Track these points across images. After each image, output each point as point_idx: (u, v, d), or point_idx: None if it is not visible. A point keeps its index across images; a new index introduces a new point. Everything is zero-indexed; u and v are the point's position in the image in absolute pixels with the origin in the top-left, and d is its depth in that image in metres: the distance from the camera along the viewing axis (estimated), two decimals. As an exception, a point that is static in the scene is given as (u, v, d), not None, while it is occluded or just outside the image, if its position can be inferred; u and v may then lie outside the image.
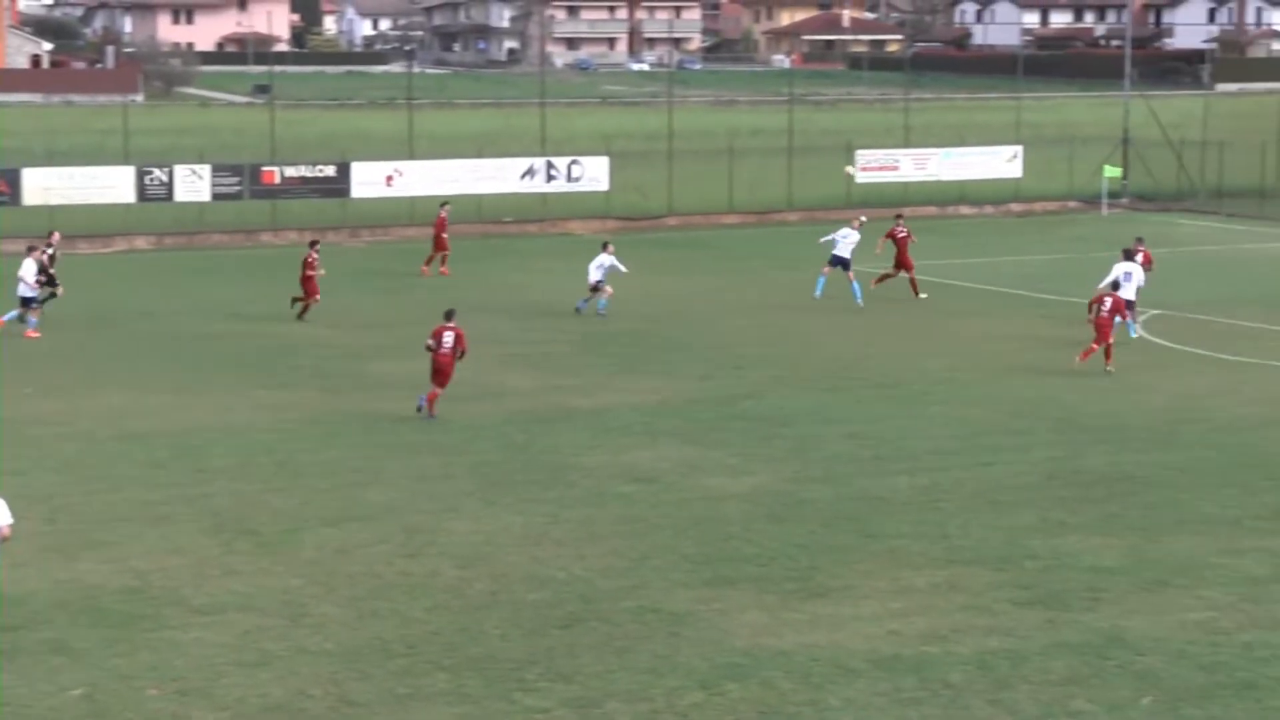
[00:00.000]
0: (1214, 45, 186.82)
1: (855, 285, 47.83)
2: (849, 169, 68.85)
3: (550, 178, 69.70)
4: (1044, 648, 21.60)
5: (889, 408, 35.40)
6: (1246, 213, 73.03)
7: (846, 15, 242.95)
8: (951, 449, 31.85)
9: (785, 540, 26.12)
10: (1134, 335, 42.24)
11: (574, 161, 70.64)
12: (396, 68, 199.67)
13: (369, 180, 67.36)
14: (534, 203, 70.22)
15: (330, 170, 67.24)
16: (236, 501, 28.22)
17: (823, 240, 49.40)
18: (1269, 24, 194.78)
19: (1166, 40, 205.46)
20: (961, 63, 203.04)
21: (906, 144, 78.77)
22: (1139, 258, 42.99)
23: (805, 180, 75.14)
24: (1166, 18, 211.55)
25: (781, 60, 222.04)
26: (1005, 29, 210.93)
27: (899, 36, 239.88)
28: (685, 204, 71.77)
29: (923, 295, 48.75)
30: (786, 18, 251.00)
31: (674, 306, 48.91)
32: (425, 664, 21.08)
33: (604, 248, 47.00)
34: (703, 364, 40.13)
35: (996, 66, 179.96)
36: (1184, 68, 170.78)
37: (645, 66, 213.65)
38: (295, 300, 46.29)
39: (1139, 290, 41.94)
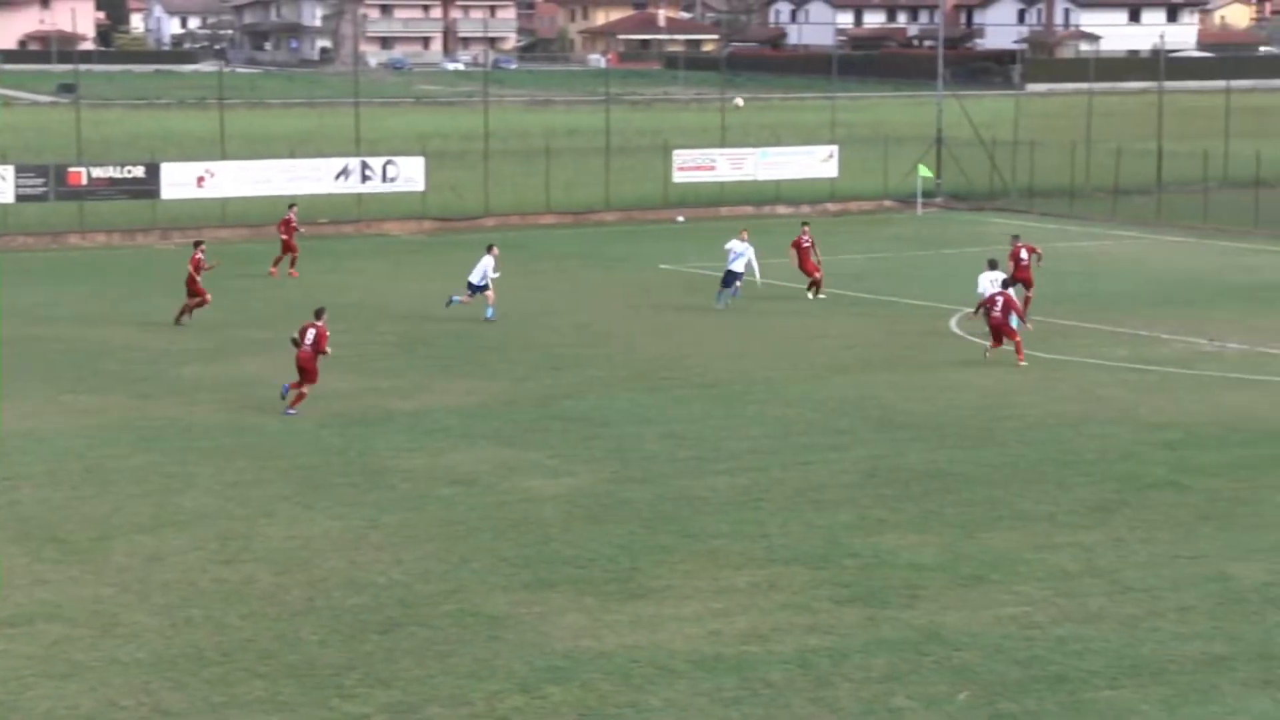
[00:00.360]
0: (1024, 46, 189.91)
1: (735, 290, 47.97)
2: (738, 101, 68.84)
3: (365, 178, 69.23)
4: (864, 645, 21.82)
5: (708, 407, 35.57)
6: (1057, 211, 74.33)
7: (662, 15, 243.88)
8: (771, 448, 32.07)
9: (605, 541, 26.15)
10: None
11: (389, 162, 70.24)
12: (206, 67, 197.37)
13: (179, 181, 66.46)
14: (349, 203, 69.74)
15: (139, 171, 66.24)
16: (44, 509, 27.71)
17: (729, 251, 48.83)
18: (1077, 25, 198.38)
19: (978, 41, 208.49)
20: (777, 62, 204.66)
21: (723, 144, 79.24)
22: (1024, 254, 46.10)
23: (622, 180, 75.31)
24: (977, 18, 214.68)
25: (597, 60, 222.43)
26: (820, 29, 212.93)
27: (715, 36, 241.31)
28: (502, 204, 71.64)
29: (821, 296, 49.08)
30: (602, 17, 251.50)
31: (491, 307, 48.74)
32: (241, 672, 20.84)
33: (488, 250, 46.47)
34: (520, 365, 40.08)
35: (811, 66, 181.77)
36: (995, 68, 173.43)
37: (460, 66, 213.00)
38: (189, 307, 45.72)
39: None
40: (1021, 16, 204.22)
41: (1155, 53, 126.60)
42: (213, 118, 74.26)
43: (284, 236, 54.95)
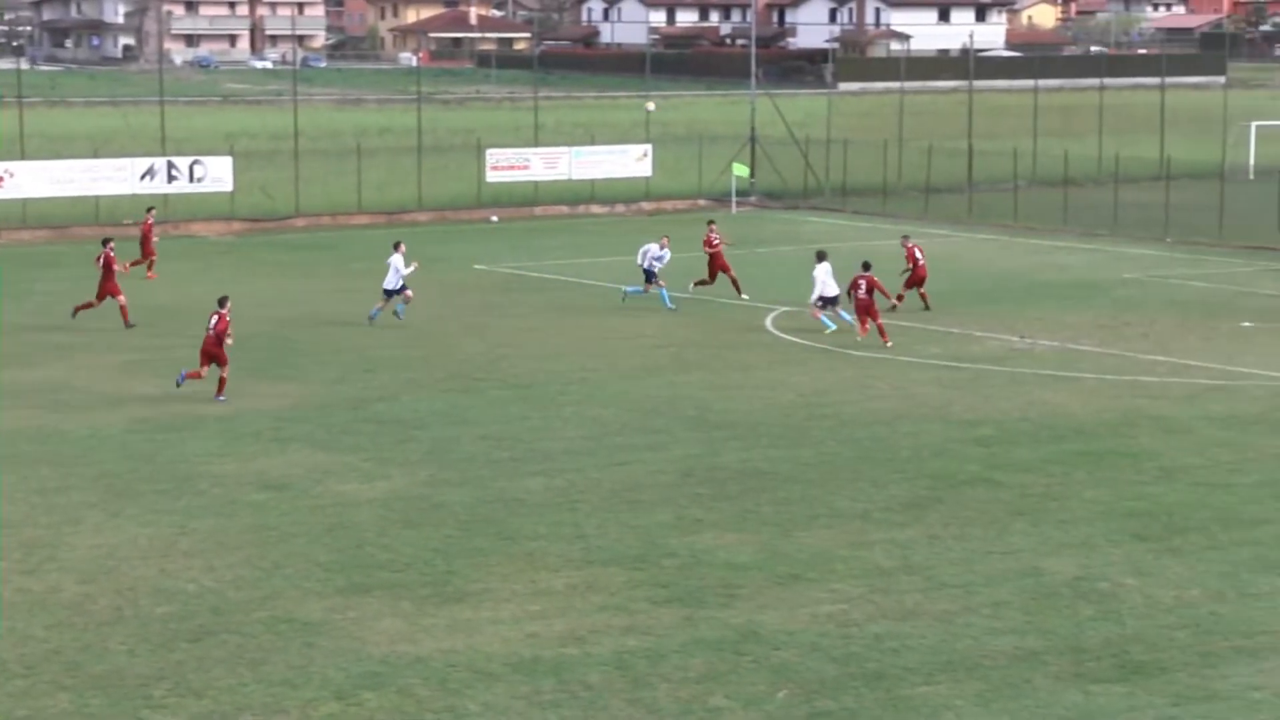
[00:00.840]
0: (836, 45, 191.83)
1: (639, 290, 47.94)
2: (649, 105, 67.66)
3: (172, 178, 68.27)
4: (682, 645, 21.93)
5: (524, 408, 35.55)
6: (870, 210, 75.14)
7: (473, 13, 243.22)
8: (587, 449, 32.13)
9: (421, 545, 26.05)
10: (831, 329, 44.32)
11: (196, 161, 69.32)
12: (3, 64, 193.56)
13: (-22, 181, 65.09)
14: (155, 204, 68.64)
15: (-66, 171, 64.79)
16: None
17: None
18: (888, 24, 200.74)
19: (790, 40, 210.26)
20: (590, 61, 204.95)
21: (536, 143, 79.19)
22: (918, 253, 47.94)
23: (435, 180, 74.98)
24: (789, 17, 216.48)
25: (408, 58, 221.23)
26: (632, 27, 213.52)
27: (527, 34, 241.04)
28: (313, 204, 71.04)
29: (744, 296, 48.86)
30: (412, 15, 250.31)
31: (303, 309, 48.38)
32: (46, 684, 20.48)
33: (395, 247, 45.53)
34: (334, 367, 39.78)
35: (625, 65, 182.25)
36: (807, 67, 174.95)
37: (268, 64, 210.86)
38: (89, 305, 45.10)
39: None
40: (833, 16, 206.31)
41: (965, 52, 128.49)
42: (11, 116, 72.85)
43: (150, 239, 54.41)
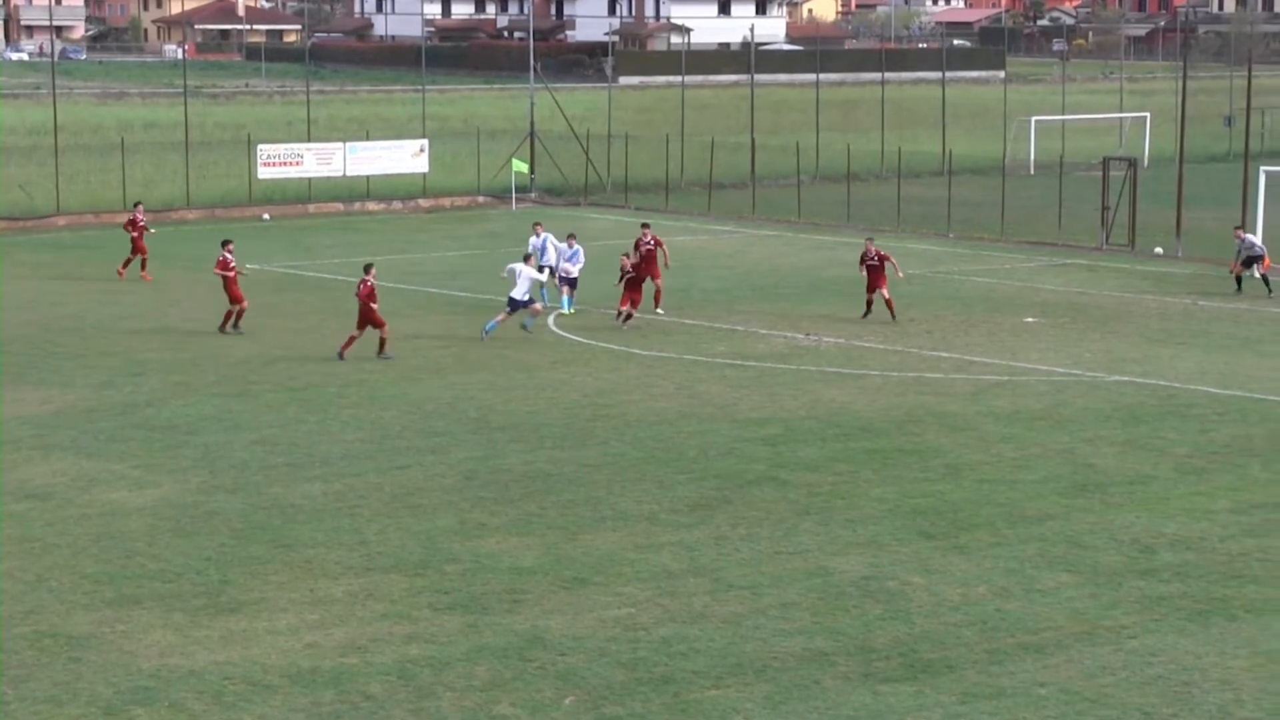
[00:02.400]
0: (615, 38, 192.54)
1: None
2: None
3: (-76, 175, 66.67)
4: (466, 653, 21.87)
5: (300, 412, 35.23)
6: (653, 206, 75.51)
7: (241, 4, 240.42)
8: (366, 453, 31.93)
9: (193, 554, 25.70)
10: (568, 310, 46.03)
11: (-50, 157, 67.79)
12: None
13: None
14: (-94, 202, 67.12)
15: None
16: None
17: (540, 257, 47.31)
18: (667, 17, 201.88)
19: (569, 33, 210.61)
20: (363, 54, 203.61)
21: (309, 138, 78.50)
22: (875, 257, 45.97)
23: (204, 177, 74.03)
24: (568, 10, 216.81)
25: (174, 50, 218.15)
26: (407, 20, 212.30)
27: (297, 26, 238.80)
28: (75, 203, 69.77)
29: (660, 311, 47.53)
30: (177, 6, 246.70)
31: (67, 311, 47.50)
32: None
33: (526, 259, 44.83)
34: (100, 371, 39.11)
35: (400, 58, 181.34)
36: (587, 60, 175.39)
37: (25, 56, 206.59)
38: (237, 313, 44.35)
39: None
40: (612, 8, 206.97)
41: (746, 46, 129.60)
42: None
43: (133, 235, 53.04)
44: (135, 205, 55.81)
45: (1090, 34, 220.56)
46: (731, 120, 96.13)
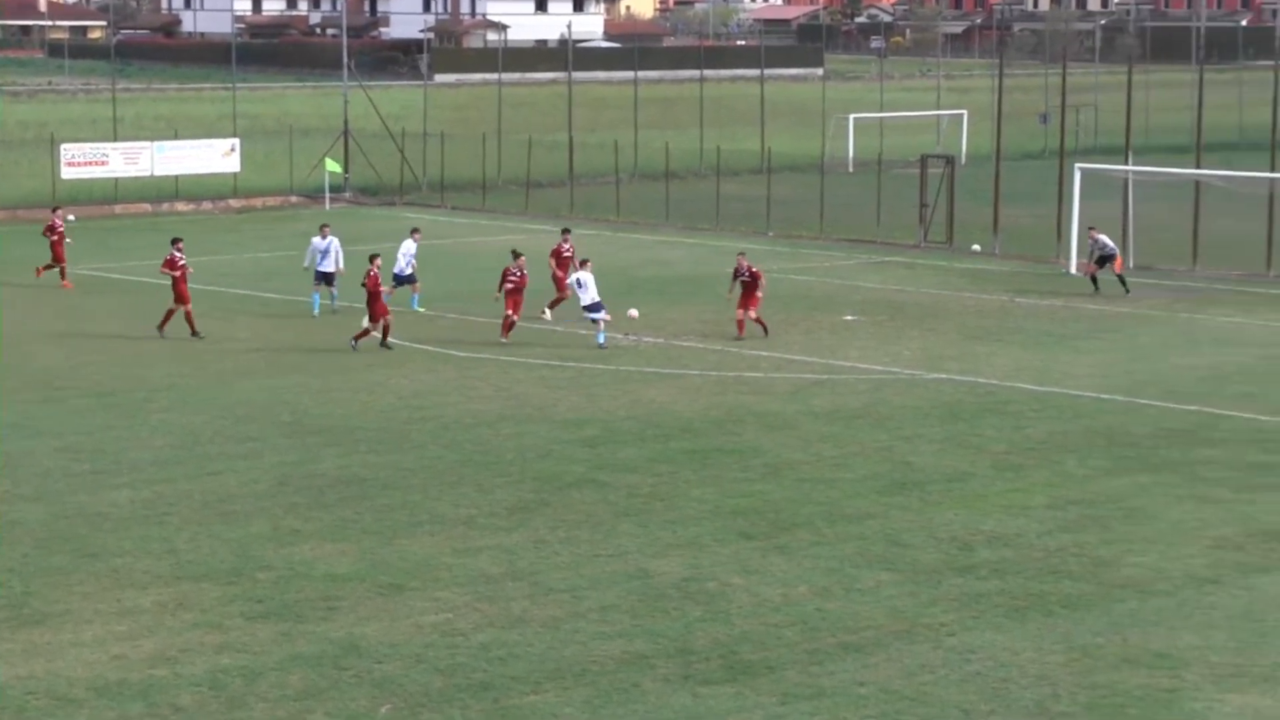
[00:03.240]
0: (430, 35, 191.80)
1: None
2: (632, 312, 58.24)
3: None
4: (279, 662, 21.70)
5: (107, 418, 34.75)
6: (470, 205, 75.36)
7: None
8: (176, 459, 31.56)
9: (-4, 566, 25.27)
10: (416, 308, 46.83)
11: None
12: None
13: None
14: None
15: None
16: None
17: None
18: (483, 14, 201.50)
19: (383, 29, 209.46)
20: (171, 51, 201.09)
21: (115, 137, 77.42)
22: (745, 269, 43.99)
23: (4, 177, 72.77)
24: (381, 7, 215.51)
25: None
26: (216, 16, 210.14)
27: (102, 22, 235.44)
28: None
29: (547, 315, 47.05)
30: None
31: None
32: None
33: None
34: (-104, 378, 38.33)
35: (209, 55, 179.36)
36: (402, 58, 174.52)
37: None
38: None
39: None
40: (427, 5, 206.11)
41: (563, 43, 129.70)
42: None
43: (52, 240, 51.63)
44: (54, 210, 54.79)
45: (908, 31, 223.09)
46: (549, 118, 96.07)
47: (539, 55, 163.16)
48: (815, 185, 69.74)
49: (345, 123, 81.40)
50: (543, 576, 25.18)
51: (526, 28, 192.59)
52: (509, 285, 43.45)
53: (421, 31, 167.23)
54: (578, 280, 43.36)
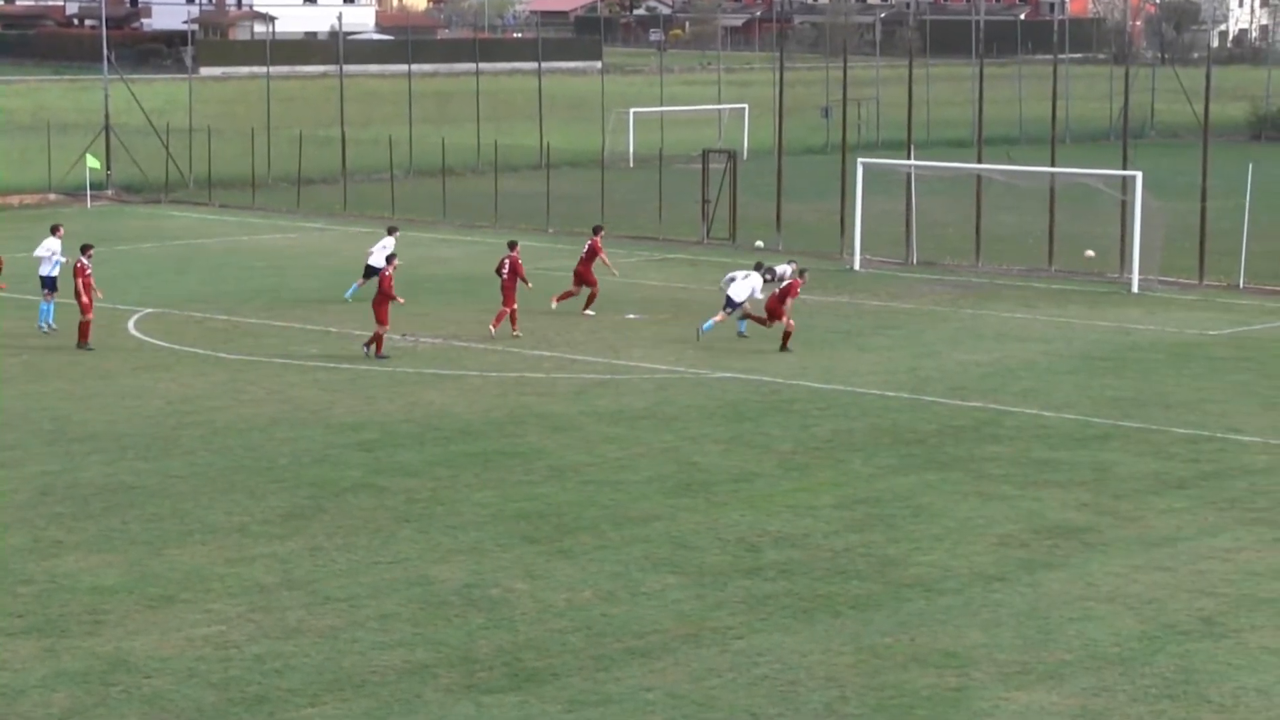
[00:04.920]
0: (195, 27, 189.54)
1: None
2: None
3: None
4: (42, 679, 21.31)
5: None
6: (240, 203, 74.61)
7: None
8: (-70, 469, 30.88)
9: None
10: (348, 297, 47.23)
11: None
12: None
13: None
14: None
15: None
16: None
17: None
18: (250, 6, 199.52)
19: (145, 20, 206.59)
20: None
21: None
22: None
23: None
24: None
25: None
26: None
27: None
28: None
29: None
30: None
31: None
32: None
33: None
34: None
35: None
36: (165, 50, 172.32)
37: None
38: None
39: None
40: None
41: (334, 35, 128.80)
42: None
43: None
44: None
45: (687, 24, 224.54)
46: (320, 113, 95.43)
47: (308, 48, 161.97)
48: (595, 181, 69.93)
49: (106, 117, 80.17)
50: (319, 585, 24.99)
51: (295, 19, 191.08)
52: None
53: (185, 23, 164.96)
54: (729, 278, 44.28)
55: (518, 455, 32.45)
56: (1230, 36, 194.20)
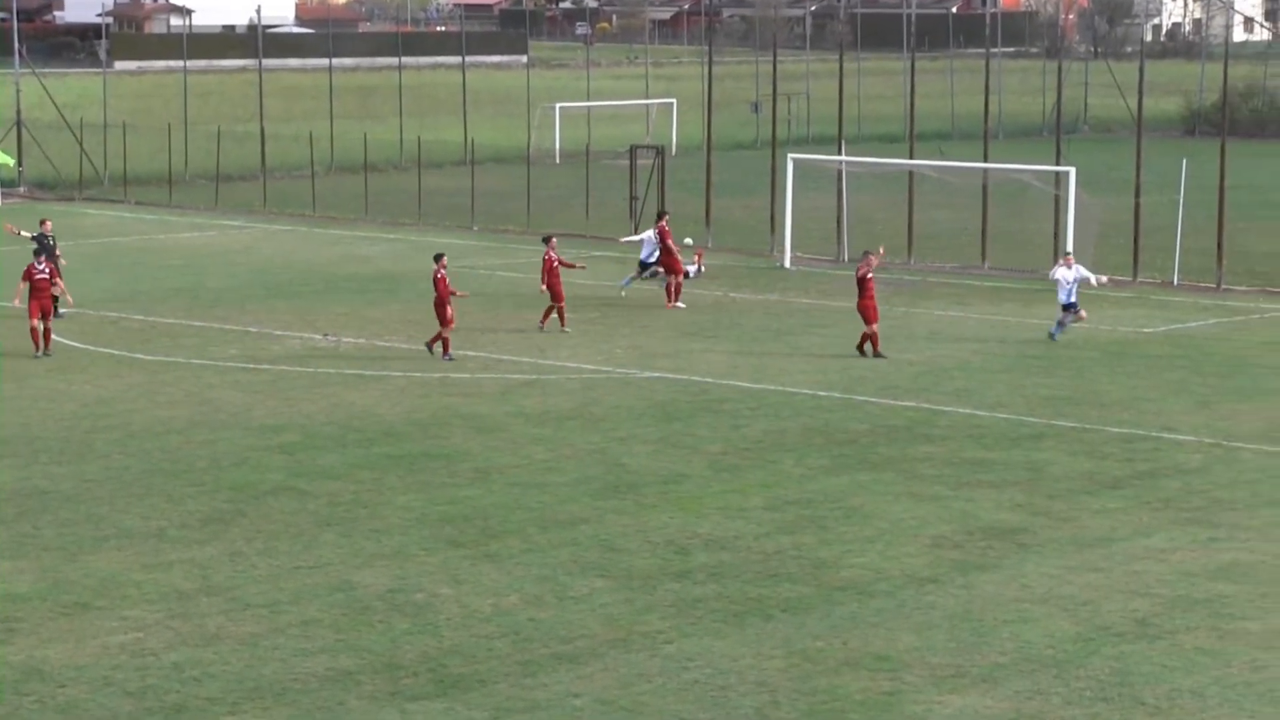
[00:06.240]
0: (109, 20, 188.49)
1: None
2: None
3: None
4: (-45, 689, 21.18)
5: None
6: (156, 200, 74.24)
7: None
8: None
9: None
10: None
11: None
12: None
13: None
14: None
15: None
16: None
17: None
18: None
19: (57, 13, 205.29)
20: None
21: None
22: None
23: None
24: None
25: None
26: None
27: None
28: None
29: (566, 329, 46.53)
30: None
31: None
32: None
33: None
34: None
35: None
36: (79, 43, 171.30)
37: None
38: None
39: None
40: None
41: (252, 28, 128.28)
42: None
43: None
44: None
45: (614, 18, 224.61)
46: (239, 108, 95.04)
47: (226, 41, 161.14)
48: (521, 177, 69.91)
49: (18, 112, 79.64)
50: (239, 591, 24.90)
51: (212, 12, 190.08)
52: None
53: (99, 16, 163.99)
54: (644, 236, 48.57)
55: (442, 457, 32.41)
56: (1164, 30, 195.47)
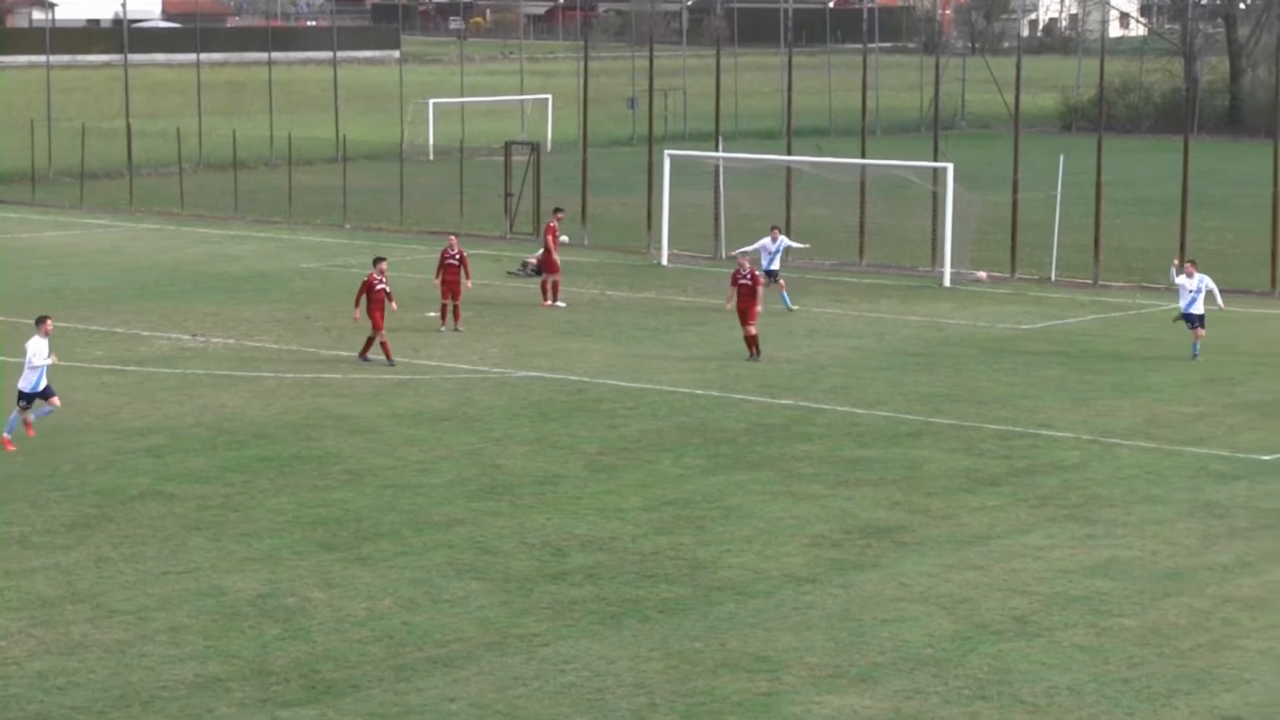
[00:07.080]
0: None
1: None
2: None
3: None
4: None
5: None
6: (19, 199, 73.44)
7: None
8: None
9: None
10: None
11: None
12: None
13: None
14: None
15: None
16: None
17: None
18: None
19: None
20: None
21: None
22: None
23: None
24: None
25: None
26: None
27: None
28: None
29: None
30: None
31: None
32: None
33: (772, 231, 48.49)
34: None
35: None
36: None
37: None
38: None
39: None
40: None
41: (117, 23, 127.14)
42: None
43: None
44: None
45: (488, 12, 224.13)
46: (104, 104, 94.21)
47: (91, 36, 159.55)
48: (394, 174, 69.66)
49: (-124, 108, 78.60)
50: (105, 597, 24.69)
51: (76, 6, 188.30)
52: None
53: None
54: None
55: (314, 459, 32.26)
56: (1040, 26, 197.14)
